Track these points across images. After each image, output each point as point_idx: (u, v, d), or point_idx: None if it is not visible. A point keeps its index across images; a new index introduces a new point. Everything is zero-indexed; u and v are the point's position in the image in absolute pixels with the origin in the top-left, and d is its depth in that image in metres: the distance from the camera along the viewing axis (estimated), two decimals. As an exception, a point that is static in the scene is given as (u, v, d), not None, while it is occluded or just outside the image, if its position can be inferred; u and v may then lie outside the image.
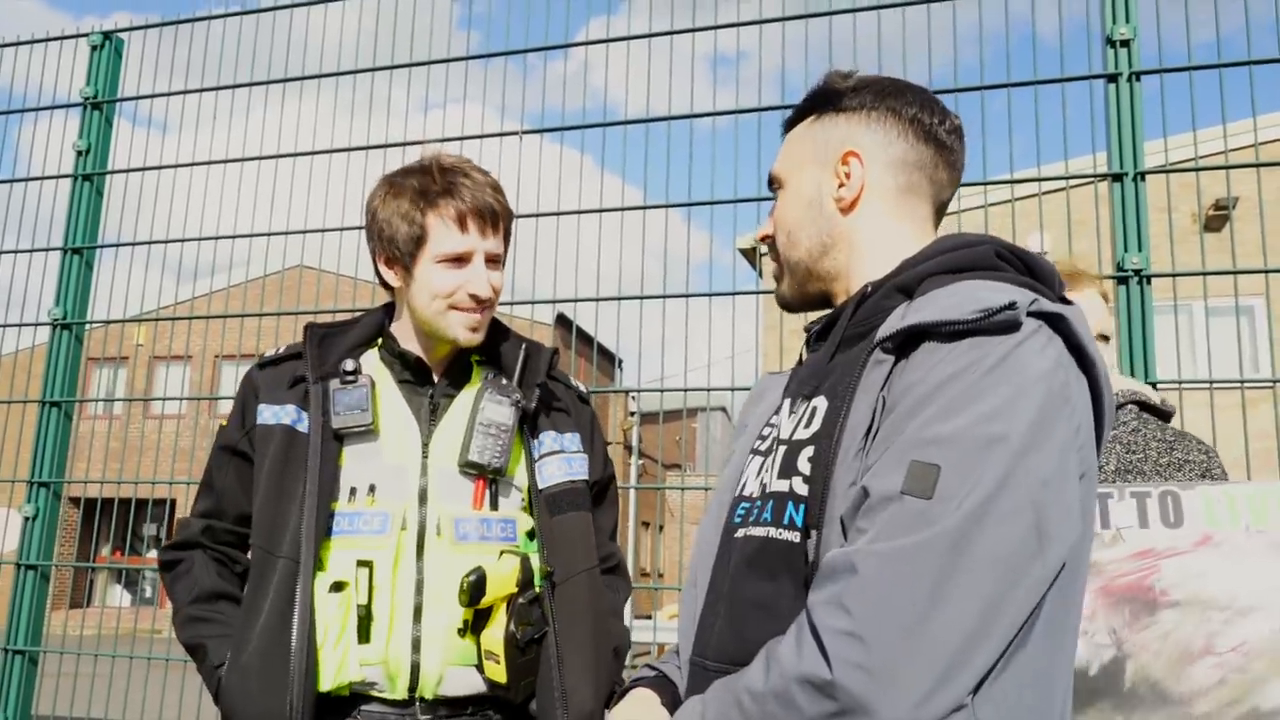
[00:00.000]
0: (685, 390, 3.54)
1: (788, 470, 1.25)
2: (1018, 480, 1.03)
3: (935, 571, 1.00)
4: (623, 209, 3.35)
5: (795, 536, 1.20)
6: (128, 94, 3.98)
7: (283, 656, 1.77)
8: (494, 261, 1.93)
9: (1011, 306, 1.10)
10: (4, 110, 4.14)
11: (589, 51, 3.41)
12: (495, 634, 1.83)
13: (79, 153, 3.86)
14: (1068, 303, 1.21)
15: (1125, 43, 2.90)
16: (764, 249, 1.48)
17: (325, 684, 1.80)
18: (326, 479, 1.86)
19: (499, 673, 1.82)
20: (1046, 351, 1.11)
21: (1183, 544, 2.08)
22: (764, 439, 1.38)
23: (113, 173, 3.91)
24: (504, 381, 1.98)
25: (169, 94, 3.85)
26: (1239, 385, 2.86)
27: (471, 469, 1.90)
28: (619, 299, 3.34)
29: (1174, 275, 2.88)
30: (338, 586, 1.83)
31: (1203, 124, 2.89)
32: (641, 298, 3.33)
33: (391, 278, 1.95)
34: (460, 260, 1.89)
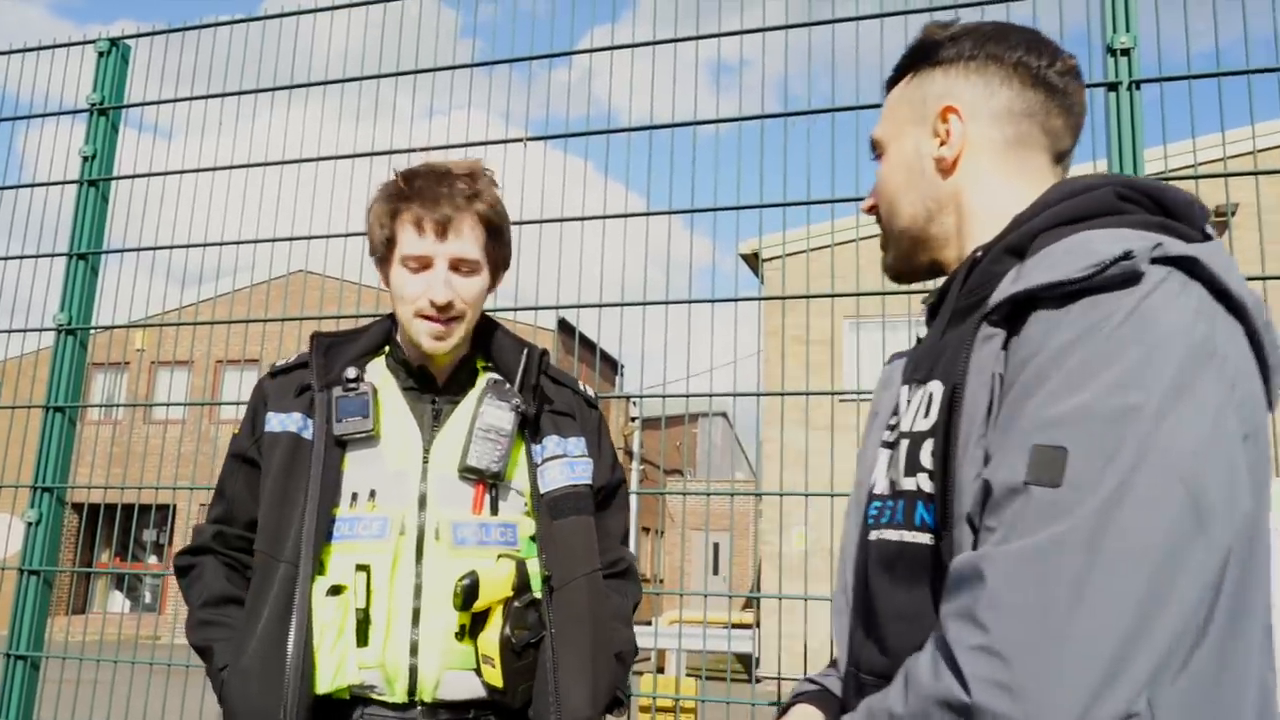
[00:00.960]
0: (687, 396, 3.56)
1: (913, 466, 1.15)
2: (1159, 454, 0.90)
3: (1074, 569, 0.88)
4: (625, 215, 3.37)
5: (929, 539, 1.10)
6: (133, 100, 4.00)
7: (280, 659, 1.80)
8: (461, 269, 1.94)
9: (1128, 256, 0.96)
10: (11, 117, 4.15)
11: (592, 60, 3.43)
12: (491, 637, 1.85)
13: (85, 159, 3.88)
14: (1210, 239, 1.07)
15: (1125, 51, 2.91)
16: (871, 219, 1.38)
17: (323, 686, 1.82)
18: (329, 485, 1.89)
19: (495, 676, 1.84)
20: (1181, 300, 0.97)
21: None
22: (891, 429, 1.26)
23: (118, 178, 3.93)
24: (505, 386, 2.00)
25: (174, 100, 3.87)
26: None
27: (470, 474, 1.92)
28: (621, 305, 3.36)
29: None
30: (335, 590, 1.86)
31: (1202, 131, 2.91)
32: (644, 304, 3.35)
33: (383, 282, 2.01)
34: (422, 265, 1.91)
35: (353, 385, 1.95)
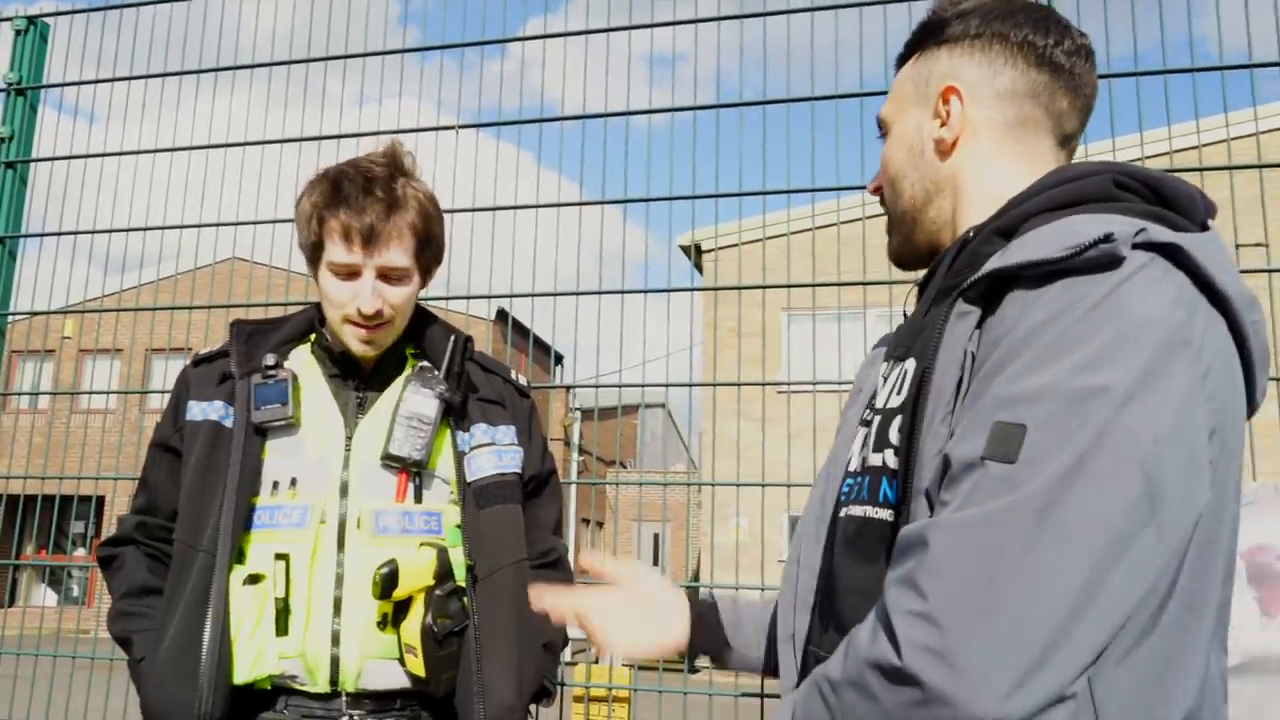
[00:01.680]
0: (620, 386, 3.57)
1: (881, 442, 1.15)
2: (1120, 437, 0.89)
3: (1017, 542, 0.87)
4: (558, 205, 3.36)
5: (890, 514, 1.10)
6: (54, 81, 3.88)
7: (196, 649, 1.78)
8: (393, 277, 1.91)
9: (1108, 239, 0.95)
10: (-79, 95, 4.01)
11: (527, 50, 3.42)
12: (413, 626, 1.84)
13: (1, 140, 3.77)
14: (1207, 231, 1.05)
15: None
16: (875, 200, 1.36)
17: (240, 676, 1.81)
18: (248, 473, 1.87)
19: (418, 666, 1.83)
20: (1161, 287, 0.96)
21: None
22: (870, 408, 1.25)
23: (38, 160, 3.82)
24: (430, 374, 1.98)
25: (96, 81, 3.77)
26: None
27: (392, 462, 1.90)
28: (557, 295, 3.36)
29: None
30: (253, 579, 1.84)
31: (1121, 132, 2.98)
32: (579, 294, 3.34)
33: (312, 277, 1.98)
34: (350, 274, 1.88)
35: (271, 372, 1.93)
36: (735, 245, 9.14)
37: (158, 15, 3.71)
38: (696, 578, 20.70)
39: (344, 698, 1.84)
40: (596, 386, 3.48)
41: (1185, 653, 0.96)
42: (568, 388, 4.10)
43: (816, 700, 1.00)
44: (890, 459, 1.12)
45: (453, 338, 2.04)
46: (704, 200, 3.29)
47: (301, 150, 3.50)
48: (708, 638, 1.46)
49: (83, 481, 4.07)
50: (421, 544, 1.90)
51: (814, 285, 3.07)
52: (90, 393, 4.05)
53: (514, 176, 3.29)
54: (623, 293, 3.36)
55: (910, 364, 1.13)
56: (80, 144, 3.78)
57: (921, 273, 1.32)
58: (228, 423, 1.92)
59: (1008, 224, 1.11)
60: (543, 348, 4.09)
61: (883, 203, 1.34)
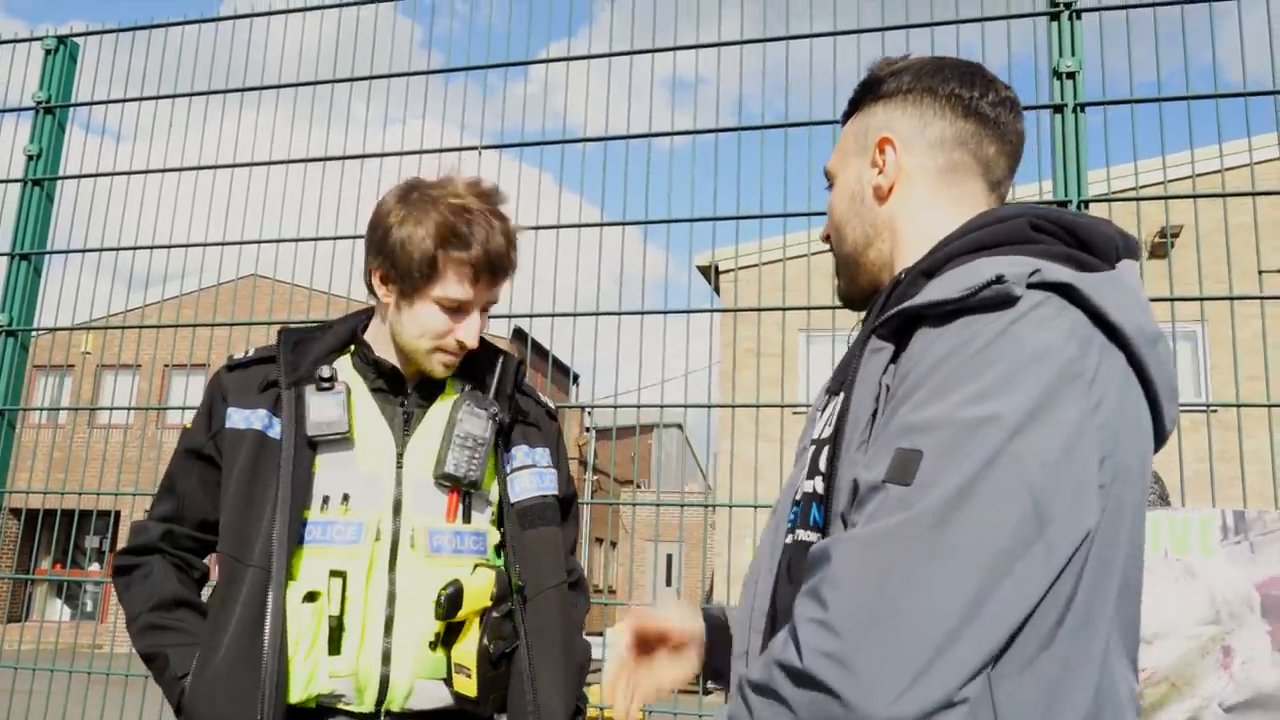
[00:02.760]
0: (638, 406, 3.57)
1: (813, 470, 1.23)
2: (1008, 462, 0.96)
3: (909, 556, 0.94)
4: (580, 225, 3.38)
5: (818, 537, 1.15)
6: (82, 100, 3.93)
7: (253, 667, 1.74)
8: (485, 310, 1.94)
9: (999, 280, 1.02)
10: (-47, 113, 4.07)
11: (550, 74, 3.44)
12: (468, 648, 1.82)
13: (30, 157, 3.81)
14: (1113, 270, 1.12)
15: (1071, 75, 2.99)
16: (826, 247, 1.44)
17: (294, 696, 1.77)
18: (299, 487, 1.83)
19: (469, 686, 1.81)
20: (1054, 324, 1.03)
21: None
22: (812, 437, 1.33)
23: (64, 178, 3.86)
24: (479, 394, 1.97)
25: (124, 100, 3.81)
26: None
27: (446, 481, 1.89)
28: (575, 315, 3.36)
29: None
30: (311, 597, 1.80)
31: (1144, 155, 2.98)
32: (598, 314, 3.35)
33: (383, 294, 1.92)
34: (460, 309, 1.88)
35: (327, 384, 1.88)
36: (753, 266, 9.14)
37: (185, 36, 3.76)
38: (710, 598, 20.59)
39: (385, 718, 1.82)
40: (615, 407, 3.49)
41: (1081, 663, 1.03)
42: (583, 408, 4.10)
43: (739, 702, 1.07)
44: (819, 486, 1.20)
45: (502, 359, 2.04)
46: (725, 222, 3.30)
47: (325, 170, 3.53)
48: (718, 661, 1.49)
49: (99, 497, 4.09)
50: (477, 565, 1.89)
51: (832, 308, 3.07)
52: (109, 409, 4.07)
53: (536, 198, 3.31)
54: (641, 313, 3.36)
55: (840, 397, 1.20)
56: (107, 162, 3.83)
57: None
58: (272, 433, 1.87)
59: (931, 265, 1.18)
60: (560, 367, 4.09)
61: (832, 249, 1.42)
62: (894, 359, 1.11)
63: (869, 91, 1.37)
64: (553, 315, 3.36)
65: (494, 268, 1.87)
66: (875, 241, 1.33)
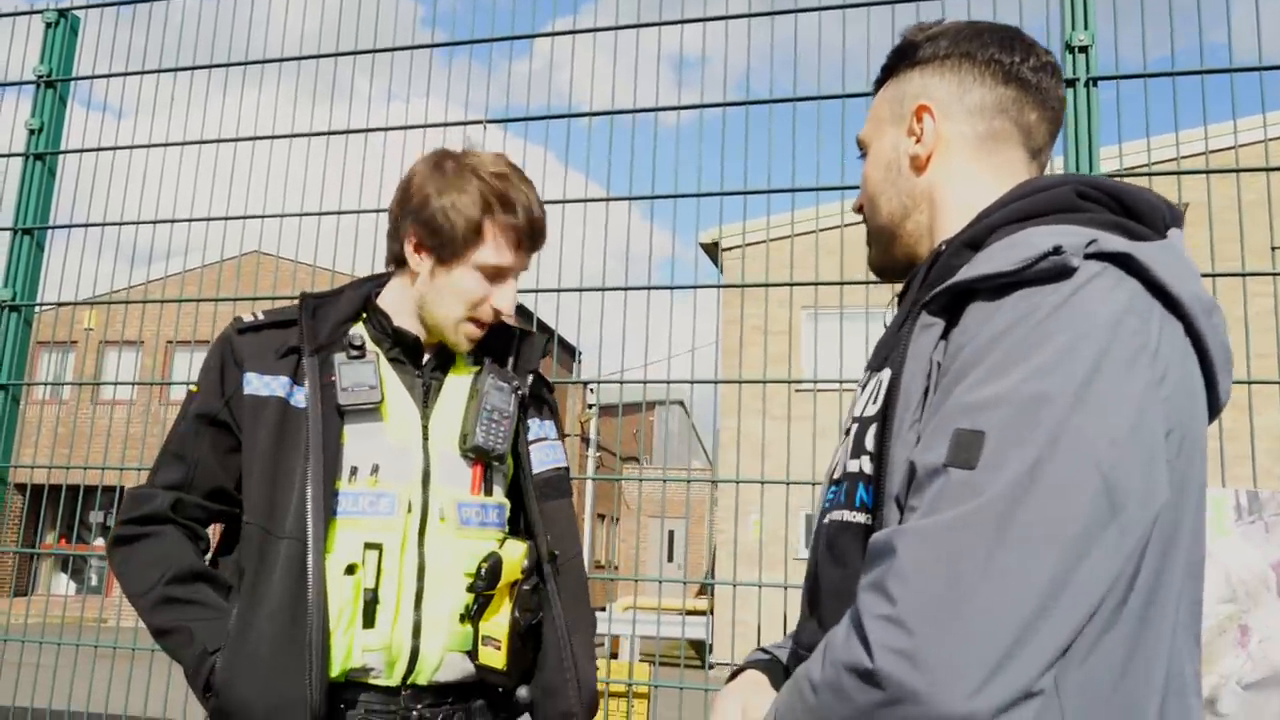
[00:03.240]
0: (645, 383, 3.55)
1: (858, 449, 1.19)
2: (1075, 440, 0.93)
3: (981, 546, 0.91)
4: (584, 200, 3.35)
5: (866, 519, 1.14)
6: (84, 74, 3.90)
7: (298, 642, 1.69)
8: (516, 278, 1.93)
9: (1057, 251, 0.99)
10: (-47, 87, 4.03)
11: (554, 50, 3.40)
12: (500, 620, 1.82)
13: (31, 131, 3.78)
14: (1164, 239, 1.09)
15: (1083, 49, 2.95)
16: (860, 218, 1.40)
17: (333, 670, 1.73)
18: (330, 456, 1.78)
19: (498, 659, 1.81)
20: (1114, 295, 0.99)
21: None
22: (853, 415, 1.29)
23: (66, 153, 3.83)
24: (501, 368, 1.97)
25: (125, 74, 3.78)
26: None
27: (473, 453, 1.88)
28: (581, 290, 3.34)
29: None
30: (350, 569, 1.76)
31: (1156, 131, 2.95)
32: (603, 290, 3.33)
33: (416, 263, 1.88)
34: (498, 275, 1.87)
35: (358, 352, 1.84)
36: (757, 244, 9.10)
37: (187, 11, 3.72)
38: (712, 573, 20.66)
39: (407, 691, 1.80)
40: (619, 382, 3.47)
41: (1146, 646, 0.99)
42: (585, 383, 4.07)
43: (796, 699, 1.04)
44: (866, 465, 1.16)
45: (520, 334, 2.05)
46: (731, 198, 3.28)
47: (329, 144, 3.50)
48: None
49: (102, 472, 4.09)
50: (505, 537, 1.90)
51: (818, 284, 3.05)
52: (113, 383, 4.05)
53: (541, 174, 3.28)
54: (646, 289, 3.34)
55: (885, 374, 1.17)
56: (109, 137, 3.79)
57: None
58: (295, 401, 1.82)
59: (976, 236, 1.15)
60: (563, 344, 4.08)
61: (865, 220, 1.38)
62: (944, 335, 1.07)
63: (904, 58, 1.32)
64: (558, 290, 3.35)
65: (535, 233, 1.88)
66: (913, 213, 1.29)
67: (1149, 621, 1.00)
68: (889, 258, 1.35)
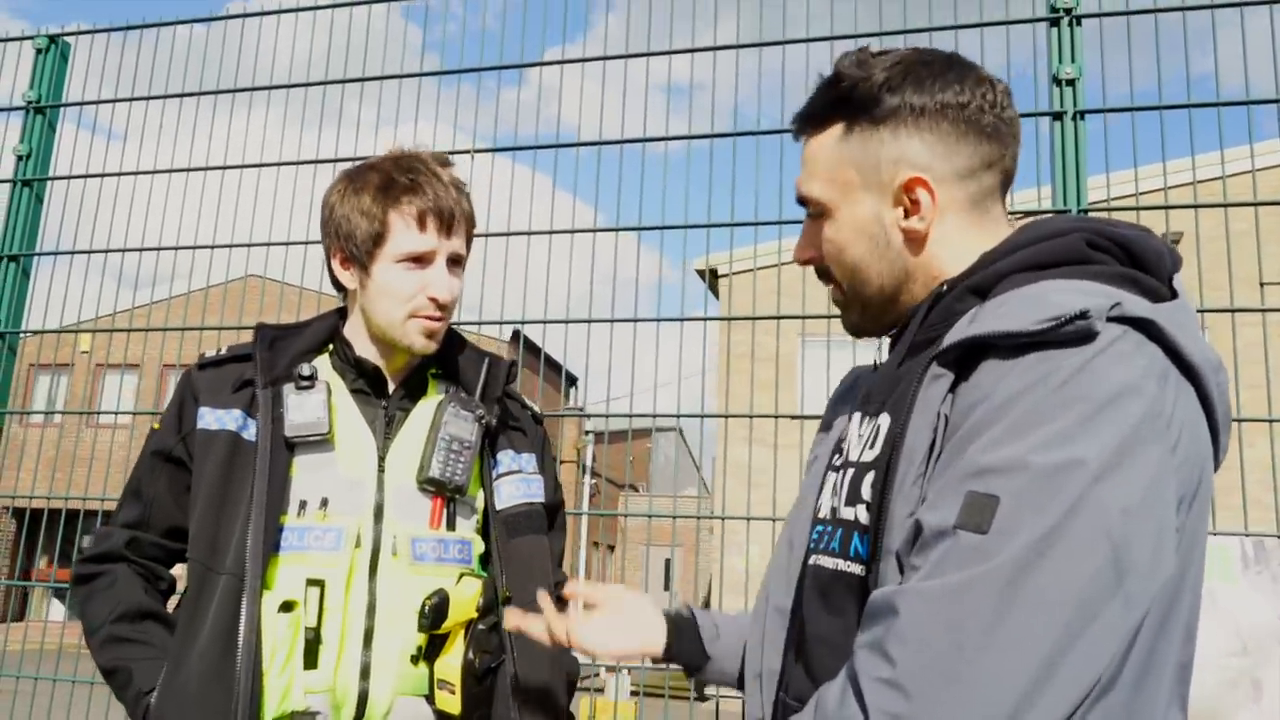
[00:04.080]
0: (630, 415, 3.53)
1: (854, 497, 1.16)
2: (1090, 510, 0.90)
3: (986, 612, 0.89)
4: (576, 230, 3.35)
5: (861, 570, 1.11)
6: (73, 99, 3.90)
7: (225, 682, 1.63)
8: (455, 264, 1.85)
9: (1084, 315, 0.96)
10: (-58, 112, 4.04)
11: (547, 79, 3.41)
12: (452, 662, 1.74)
13: (19, 157, 3.78)
14: (1175, 294, 1.07)
15: (1070, 81, 2.95)
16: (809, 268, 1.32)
17: (268, 713, 1.67)
18: (275, 490, 1.72)
19: (452, 704, 1.73)
20: (1133, 361, 0.97)
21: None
22: (840, 453, 1.27)
23: (54, 179, 3.83)
24: (465, 396, 1.89)
25: (114, 100, 3.78)
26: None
27: (431, 486, 1.80)
28: (575, 321, 3.33)
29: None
30: (287, 606, 1.69)
31: (1144, 163, 2.95)
32: (594, 321, 3.32)
33: (347, 279, 1.86)
34: (420, 260, 1.80)
35: (306, 383, 1.79)
36: (748, 271, 9.11)
37: (177, 37, 3.73)
38: (707, 604, 20.52)
39: None
40: (606, 416, 3.45)
41: (1142, 708, 0.98)
42: (581, 414, 4.06)
43: None
44: (862, 514, 1.13)
45: (488, 361, 1.96)
46: (724, 228, 3.27)
47: (316, 171, 3.50)
48: (686, 648, 1.48)
49: (97, 498, 4.06)
50: (462, 574, 1.81)
51: (828, 317, 3.03)
52: (99, 411, 4.04)
53: (536, 202, 3.28)
54: (634, 320, 3.33)
55: (884, 420, 1.14)
56: (107, 163, 3.78)
57: None
58: (247, 434, 1.78)
59: (982, 282, 1.11)
60: (557, 371, 4.06)
61: (823, 276, 1.29)
62: (952, 388, 1.04)
63: (860, 108, 1.19)
64: (544, 322, 3.34)
65: (441, 209, 1.79)
66: (908, 283, 1.21)
67: (1143, 689, 0.98)
68: (878, 324, 1.28)
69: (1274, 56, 2.88)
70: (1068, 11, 2.99)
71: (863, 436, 1.20)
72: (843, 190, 1.22)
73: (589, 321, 3.29)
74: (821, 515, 1.23)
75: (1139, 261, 1.08)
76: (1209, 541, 2.45)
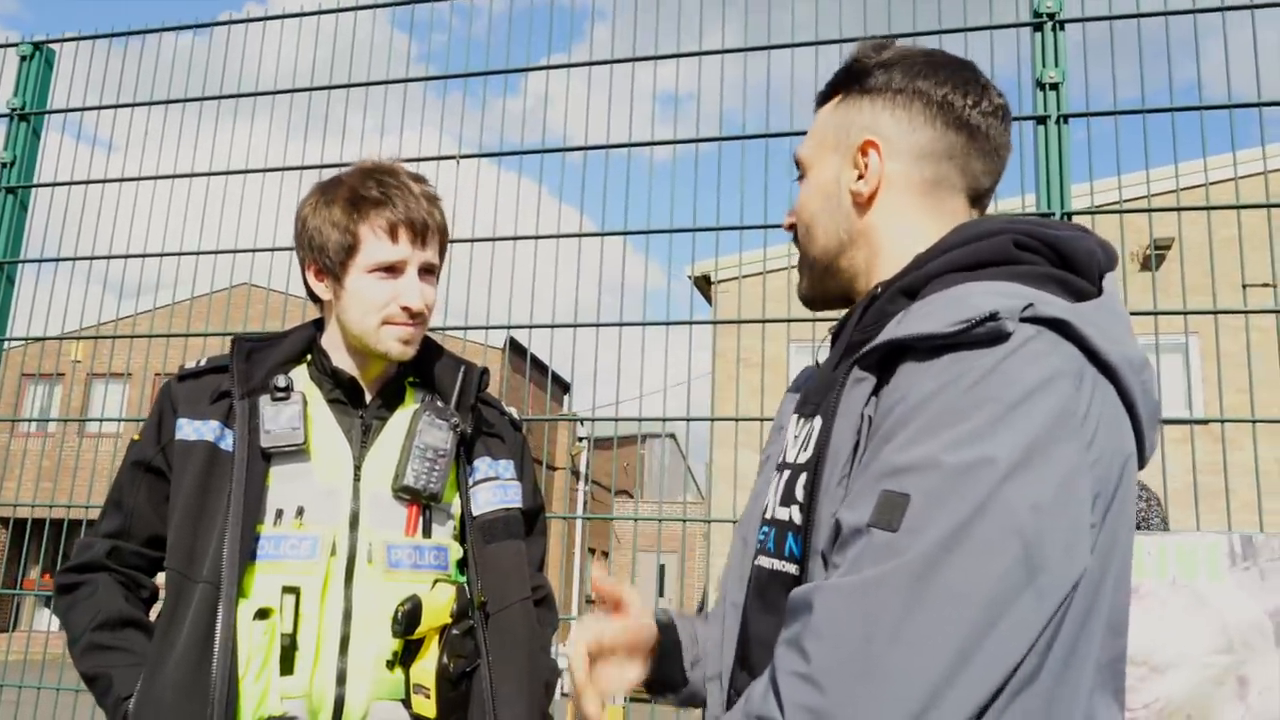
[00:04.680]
0: (617, 420, 3.53)
1: (788, 498, 1.19)
2: (999, 507, 0.92)
3: (895, 607, 0.91)
4: (558, 236, 3.35)
5: (795, 569, 1.13)
6: (58, 107, 3.89)
7: (201, 688, 1.66)
8: (428, 273, 1.88)
9: (994, 317, 0.98)
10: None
11: (539, 88, 3.42)
12: (427, 666, 1.77)
13: (3, 165, 3.77)
14: (1101, 294, 1.08)
15: (1054, 86, 2.96)
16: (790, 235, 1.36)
17: (245, 718, 1.69)
18: (251, 500, 1.76)
19: (428, 708, 1.75)
20: (1046, 360, 0.98)
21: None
22: (783, 454, 1.28)
23: (39, 186, 3.82)
24: (440, 404, 1.92)
25: (99, 107, 3.78)
26: (1159, 423, 2.90)
27: (406, 494, 1.84)
28: (560, 325, 3.33)
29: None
30: (262, 614, 1.73)
31: (1127, 169, 2.96)
32: (586, 325, 3.32)
33: (322, 290, 1.89)
34: (392, 270, 1.83)
35: (282, 394, 1.83)
36: (739, 278, 9.12)
37: (163, 45, 3.73)
38: (702, 607, 20.48)
39: None
40: (597, 419, 3.45)
41: (1061, 706, 0.98)
42: (575, 419, 4.06)
43: None
44: (795, 515, 1.15)
45: (463, 369, 2.00)
46: (715, 233, 3.28)
47: (302, 177, 3.50)
48: (664, 671, 1.45)
49: (87, 506, 4.05)
50: (437, 580, 1.84)
51: (815, 320, 3.03)
52: (86, 419, 4.02)
53: (530, 210, 3.28)
54: (619, 324, 3.33)
55: (817, 422, 1.16)
56: (92, 171, 3.78)
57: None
58: (224, 445, 1.82)
59: (913, 284, 1.13)
60: (555, 379, 4.06)
61: (796, 241, 1.35)
62: (876, 390, 1.07)
63: (855, 80, 1.27)
64: (533, 326, 3.34)
65: (411, 220, 1.83)
66: (849, 249, 1.26)
67: (1065, 682, 0.99)
68: (821, 290, 1.32)
69: (1256, 63, 2.89)
70: (1051, 16, 3.00)
71: (798, 438, 1.23)
72: (819, 150, 1.30)
73: (576, 326, 3.29)
74: (767, 515, 1.26)
75: (1068, 261, 1.10)
76: (1199, 540, 2.45)
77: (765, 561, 1.21)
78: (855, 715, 0.89)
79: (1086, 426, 0.99)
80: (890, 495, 0.96)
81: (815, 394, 1.23)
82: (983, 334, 0.98)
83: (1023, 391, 0.96)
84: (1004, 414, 0.95)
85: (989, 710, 0.93)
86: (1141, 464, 1.11)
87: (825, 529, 1.05)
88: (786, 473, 1.21)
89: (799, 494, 1.15)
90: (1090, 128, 2.98)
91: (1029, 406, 0.95)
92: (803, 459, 1.17)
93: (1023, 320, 1.00)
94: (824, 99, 1.34)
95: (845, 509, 1.00)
